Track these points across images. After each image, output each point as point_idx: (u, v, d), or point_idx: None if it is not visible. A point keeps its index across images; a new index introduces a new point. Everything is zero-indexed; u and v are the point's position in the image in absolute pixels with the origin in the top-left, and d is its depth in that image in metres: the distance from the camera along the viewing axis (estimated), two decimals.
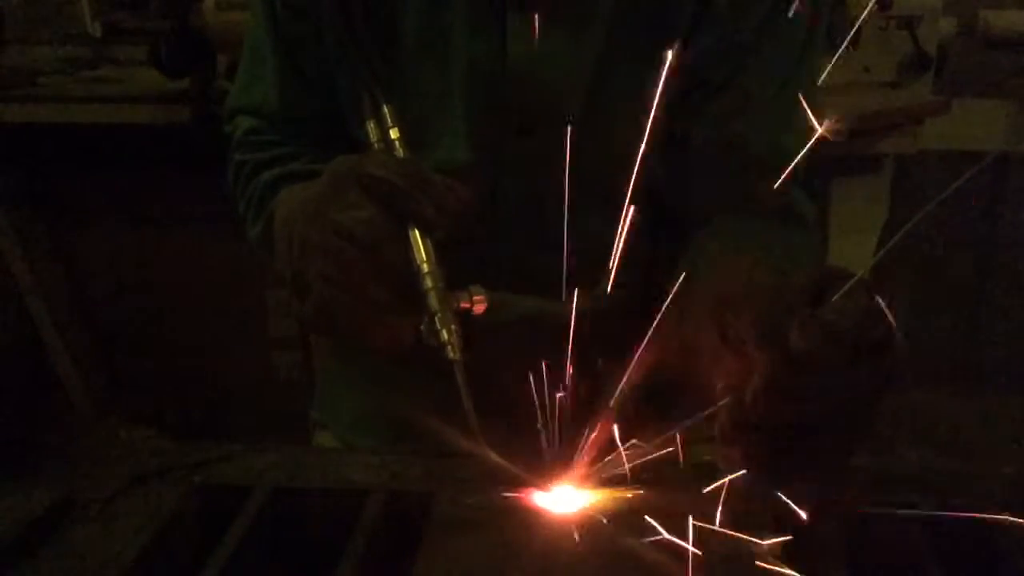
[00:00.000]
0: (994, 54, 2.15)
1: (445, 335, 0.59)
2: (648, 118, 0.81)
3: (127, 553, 0.58)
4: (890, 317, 0.50)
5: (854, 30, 1.72)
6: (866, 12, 1.64)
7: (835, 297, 0.50)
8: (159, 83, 1.82)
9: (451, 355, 0.59)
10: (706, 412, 0.58)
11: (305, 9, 0.79)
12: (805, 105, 0.85)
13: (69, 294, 2.35)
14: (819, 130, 0.55)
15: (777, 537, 0.56)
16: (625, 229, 0.87)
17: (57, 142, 2.03)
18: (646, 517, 0.57)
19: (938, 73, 1.92)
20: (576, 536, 0.58)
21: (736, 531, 0.57)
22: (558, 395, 0.65)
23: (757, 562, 0.55)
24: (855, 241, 1.86)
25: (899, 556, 0.59)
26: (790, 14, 0.78)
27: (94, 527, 0.62)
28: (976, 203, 2.47)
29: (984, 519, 0.60)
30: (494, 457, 0.59)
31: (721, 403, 0.56)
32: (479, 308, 0.61)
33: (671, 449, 0.61)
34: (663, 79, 0.79)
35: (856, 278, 0.50)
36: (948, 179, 0.47)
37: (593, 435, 0.63)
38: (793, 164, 0.84)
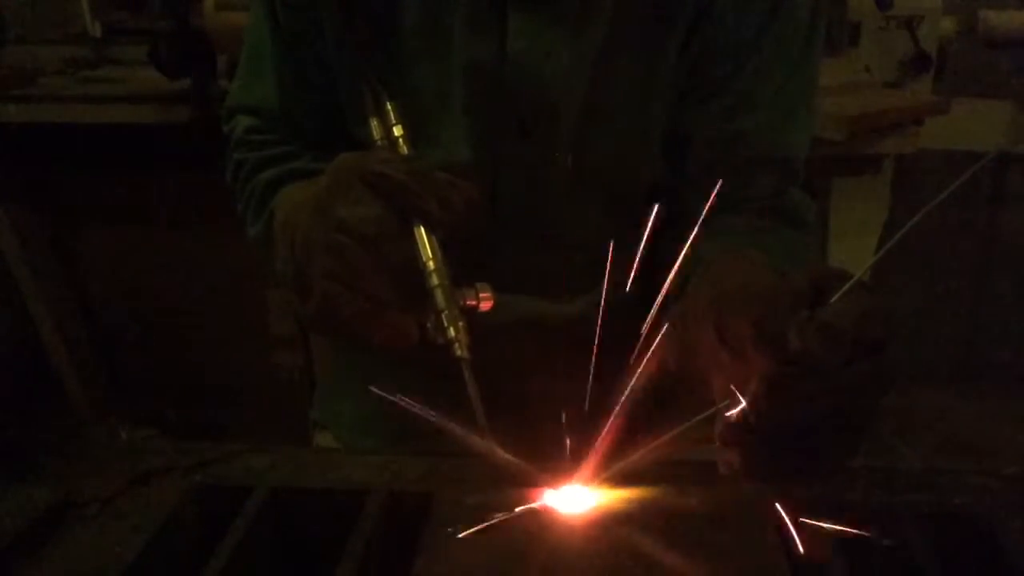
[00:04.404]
0: (994, 54, 2.15)
1: (452, 332, 0.59)
2: (648, 117, 0.81)
3: (127, 553, 0.58)
4: (888, 318, 0.50)
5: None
6: None
7: (833, 298, 0.50)
8: (159, 83, 1.82)
9: (459, 352, 0.59)
10: (705, 413, 0.58)
11: (305, 7, 0.79)
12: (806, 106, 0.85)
13: (69, 294, 2.35)
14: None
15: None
16: (624, 229, 0.87)
17: (57, 142, 2.03)
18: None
19: (938, 73, 1.92)
20: (582, 537, 0.58)
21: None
22: (561, 395, 0.65)
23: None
24: (855, 241, 1.87)
25: (899, 556, 0.59)
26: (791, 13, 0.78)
27: (94, 527, 0.62)
28: (976, 203, 2.48)
29: (985, 519, 0.61)
30: (502, 454, 0.59)
31: (719, 405, 0.56)
32: (485, 305, 0.61)
33: (673, 449, 0.61)
34: (663, 78, 0.80)
35: (854, 279, 0.50)
36: (948, 179, 0.47)
37: (597, 435, 0.62)
38: (792, 164, 0.84)
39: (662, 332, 0.64)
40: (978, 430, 2.42)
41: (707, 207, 0.83)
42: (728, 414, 0.55)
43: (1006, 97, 2.23)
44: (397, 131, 0.65)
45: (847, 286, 0.50)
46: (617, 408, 0.63)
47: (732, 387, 0.55)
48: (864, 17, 1.85)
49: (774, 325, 0.51)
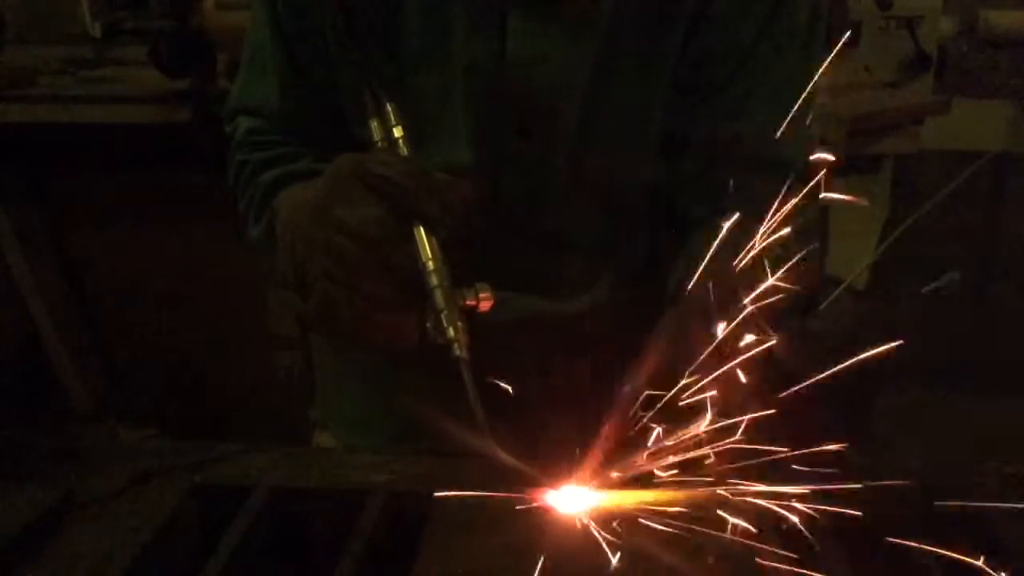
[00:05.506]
0: (994, 54, 2.15)
1: (452, 332, 0.59)
2: (647, 118, 0.81)
3: (127, 553, 0.58)
4: (883, 319, 0.50)
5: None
6: None
7: (823, 305, 0.51)
8: (159, 83, 1.82)
9: (458, 352, 0.59)
10: (701, 416, 0.58)
11: (307, 8, 0.79)
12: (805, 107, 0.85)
13: (69, 294, 2.35)
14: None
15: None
16: (623, 230, 0.87)
17: (57, 142, 2.03)
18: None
19: (938, 73, 1.92)
20: (582, 537, 0.58)
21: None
22: (561, 394, 0.65)
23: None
24: (855, 241, 1.87)
25: (899, 556, 0.59)
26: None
27: (94, 527, 0.62)
28: (976, 203, 2.48)
29: (984, 518, 0.61)
30: (501, 454, 0.59)
31: (714, 408, 0.57)
32: (485, 305, 0.61)
33: (671, 450, 0.61)
34: (662, 79, 0.80)
35: (844, 284, 0.51)
36: (948, 179, 0.47)
37: (597, 434, 0.62)
38: (792, 166, 0.84)
39: (660, 333, 0.64)
40: (979, 430, 2.42)
41: (705, 207, 0.83)
42: (721, 417, 0.56)
43: (1006, 97, 2.23)
44: (397, 132, 0.65)
45: (836, 292, 0.50)
46: (616, 408, 0.63)
47: (724, 391, 0.55)
48: (864, 17, 1.85)
49: (767, 331, 0.51)
